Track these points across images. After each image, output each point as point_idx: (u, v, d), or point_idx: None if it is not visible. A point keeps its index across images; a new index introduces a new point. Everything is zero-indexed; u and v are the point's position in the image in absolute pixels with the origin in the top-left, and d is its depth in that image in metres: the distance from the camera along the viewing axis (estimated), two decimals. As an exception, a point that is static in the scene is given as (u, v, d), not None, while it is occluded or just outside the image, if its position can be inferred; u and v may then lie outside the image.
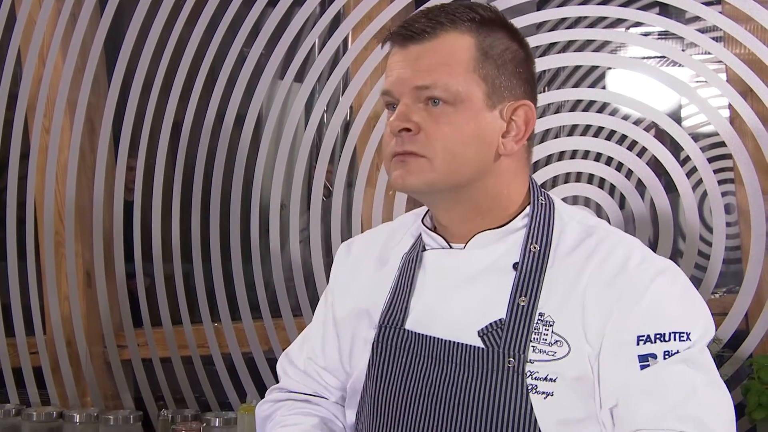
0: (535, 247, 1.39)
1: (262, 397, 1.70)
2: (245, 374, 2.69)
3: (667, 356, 1.31)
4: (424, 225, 1.48)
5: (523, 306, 1.36)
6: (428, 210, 1.49)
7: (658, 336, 1.31)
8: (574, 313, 1.35)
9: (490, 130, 1.38)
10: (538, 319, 1.35)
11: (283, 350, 1.69)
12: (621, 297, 1.34)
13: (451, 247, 1.44)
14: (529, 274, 1.38)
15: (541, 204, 1.43)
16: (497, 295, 1.38)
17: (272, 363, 2.64)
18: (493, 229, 1.41)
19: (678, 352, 1.31)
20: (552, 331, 1.35)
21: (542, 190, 1.47)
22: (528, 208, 1.42)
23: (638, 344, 1.31)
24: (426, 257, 1.45)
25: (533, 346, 1.35)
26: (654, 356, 1.31)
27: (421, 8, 1.46)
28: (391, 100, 1.41)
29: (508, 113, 1.39)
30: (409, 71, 1.37)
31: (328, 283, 1.64)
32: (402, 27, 1.41)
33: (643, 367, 1.31)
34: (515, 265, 1.39)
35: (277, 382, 1.68)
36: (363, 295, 1.53)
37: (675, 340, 1.31)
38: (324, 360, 1.60)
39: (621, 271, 1.35)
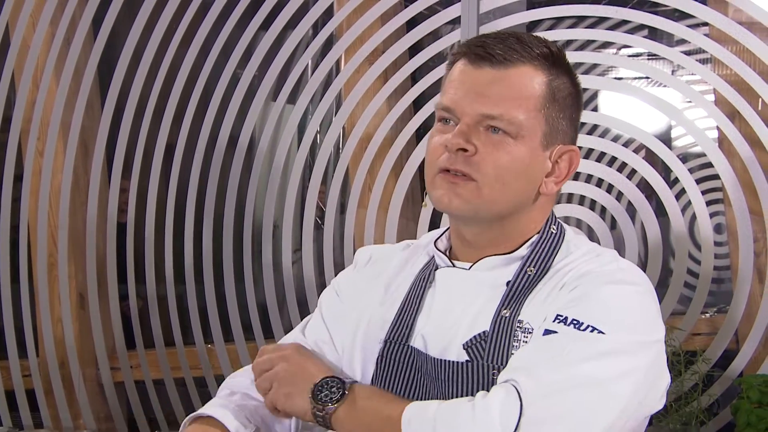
0: (531, 270, 1.41)
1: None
2: (238, 395, 2.68)
3: (568, 332, 1.29)
4: (436, 247, 1.49)
5: (506, 317, 1.37)
6: (446, 230, 1.51)
7: (574, 321, 1.30)
8: (538, 309, 1.36)
9: (539, 169, 1.40)
10: (517, 327, 1.36)
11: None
12: (574, 285, 1.35)
13: (454, 266, 1.46)
14: (518, 291, 1.39)
15: (551, 233, 1.44)
16: (486, 311, 1.40)
17: (265, 384, 2.64)
18: (500, 255, 1.43)
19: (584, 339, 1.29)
20: (531, 337, 1.35)
21: (558, 220, 1.48)
22: (536, 236, 1.43)
23: (553, 321, 1.31)
24: (437, 276, 1.47)
25: (513, 353, 1.35)
26: (556, 332, 1.30)
27: (493, 32, 1.45)
28: (449, 116, 1.41)
29: (556, 155, 1.41)
30: (479, 96, 1.37)
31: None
32: (478, 46, 1.40)
33: (545, 333, 1.31)
34: (508, 283, 1.40)
35: None
36: (373, 305, 1.52)
37: (587, 331, 1.29)
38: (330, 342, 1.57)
39: (590, 272, 1.37)
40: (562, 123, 1.40)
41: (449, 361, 1.38)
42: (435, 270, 1.48)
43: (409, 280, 1.51)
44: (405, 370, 1.43)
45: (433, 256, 1.50)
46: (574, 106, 1.43)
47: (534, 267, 1.41)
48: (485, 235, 1.43)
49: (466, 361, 1.37)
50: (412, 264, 1.53)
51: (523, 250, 1.43)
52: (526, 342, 1.35)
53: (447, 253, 1.48)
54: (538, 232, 1.44)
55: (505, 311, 1.38)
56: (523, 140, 1.37)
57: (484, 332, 1.38)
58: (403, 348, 1.44)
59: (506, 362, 1.34)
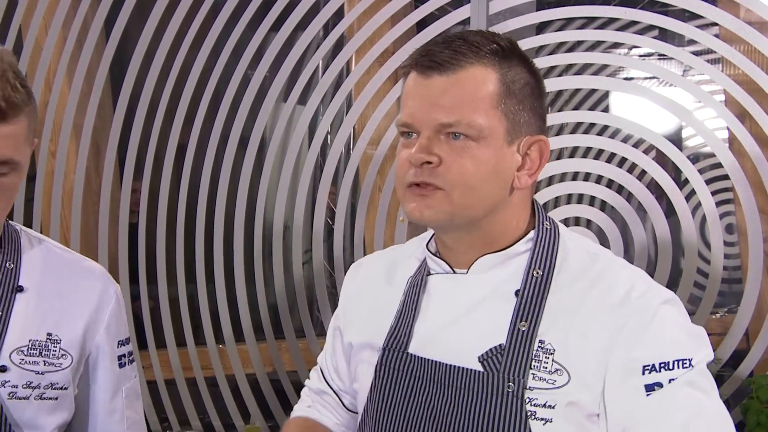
0: (537, 273, 1.40)
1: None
2: (249, 396, 2.70)
3: (671, 382, 1.32)
4: (429, 250, 1.49)
5: (524, 331, 1.36)
6: (433, 234, 1.51)
7: (662, 365, 1.32)
8: (575, 342, 1.35)
9: (507, 165, 1.38)
10: (539, 347, 1.36)
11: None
12: (626, 326, 1.34)
13: (454, 272, 1.45)
14: (531, 300, 1.38)
15: (547, 229, 1.44)
16: (498, 321, 1.39)
17: (276, 384, 2.66)
18: (495, 252, 1.42)
19: (681, 377, 1.33)
20: (552, 360, 1.35)
21: (546, 214, 1.48)
22: (532, 232, 1.43)
23: (644, 374, 1.32)
24: (430, 282, 1.47)
25: (533, 374, 1.35)
26: (660, 384, 1.32)
27: (440, 36, 1.44)
28: (410, 130, 1.40)
29: (524, 148, 1.39)
30: (433, 106, 1.36)
31: (336, 305, 1.67)
32: (424, 56, 1.38)
33: (648, 395, 1.32)
34: (517, 292, 1.40)
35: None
36: (368, 317, 1.54)
37: (679, 367, 1.32)
38: (339, 382, 1.65)
39: (625, 301, 1.36)
40: (523, 115, 1.39)
41: (466, 369, 1.38)
42: (427, 275, 1.47)
43: (401, 288, 1.51)
44: (404, 378, 1.44)
45: (424, 261, 1.49)
46: (534, 94, 1.40)
47: (540, 268, 1.40)
48: (465, 240, 1.43)
49: (482, 371, 1.37)
50: (401, 272, 1.53)
51: (520, 246, 1.42)
52: (547, 364, 1.35)
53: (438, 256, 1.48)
54: (534, 228, 1.43)
55: (522, 324, 1.37)
56: (486, 141, 1.36)
57: (500, 345, 1.37)
58: (402, 355, 1.44)
59: (523, 376, 1.34)
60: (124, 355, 1.66)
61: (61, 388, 1.56)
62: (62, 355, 1.57)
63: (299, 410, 1.68)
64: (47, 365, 1.55)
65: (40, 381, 1.54)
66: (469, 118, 1.35)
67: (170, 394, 2.79)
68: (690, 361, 1.33)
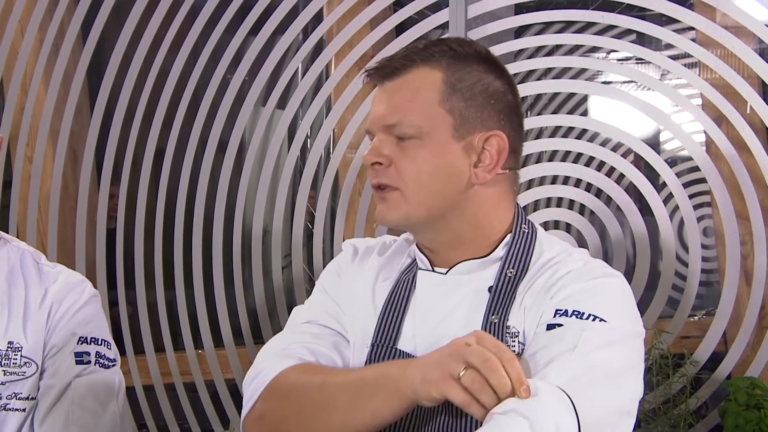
0: (510, 272, 1.41)
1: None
2: (228, 401, 2.69)
3: (571, 324, 1.30)
4: (417, 246, 1.50)
5: (495, 323, 1.38)
6: None
7: (575, 312, 1.32)
8: (530, 318, 1.37)
9: (457, 161, 1.40)
10: (506, 332, 1.38)
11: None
12: (562, 282, 1.36)
13: (434, 271, 1.46)
14: (502, 295, 1.40)
15: (524, 232, 1.45)
16: (473, 317, 1.41)
17: (255, 389, 2.64)
18: (476, 259, 1.43)
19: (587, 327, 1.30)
20: (518, 342, 1.37)
21: (527, 218, 1.48)
22: (509, 236, 1.44)
23: (554, 316, 1.33)
24: (419, 278, 1.47)
25: None
26: (561, 325, 1.31)
27: (406, 46, 1.49)
28: (370, 136, 1.45)
29: (480, 143, 1.40)
30: (382, 109, 1.42)
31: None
32: (378, 63, 1.44)
33: (549, 328, 1.32)
34: (490, 288, 1.41)
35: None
36: (359, 305, 1.53)
37: (590, 320, 1.31)
38: (337, 325, 1.53)
39: (571, 271, 1.38)
40: (473, 111, 1.40)
41: None
42: (417, 271, 1.48)
43: (390, 282, 1.51)
44: None
45: (415, 258, 1.50)
46: (489, 91, 1.41)
47: (513, 268, 1.41)
48: (439, 240, 1.44)
49: None
50: (393, 265, 1.53)
51: (499, 251, 1.43)
52: (514, 347, 1.36)
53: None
54: (510, 232, 1.44)
55: (493, 317, 1.39)
56: (430, 138, 1.39)
57: None
58: (391, 351, 1.44)
59: None
60: (86, 353, 1.60)
61: (27, 398, 1.54)
62: (25, 363, 1.54)
63: (289, 357, 1.46)
64: (8, 375, 1.52)
65: (2, 391, 1.51)
66: (408, 118, 1.39)
67: (149, 400, 2.78)
68: (605, 322, 1.30)
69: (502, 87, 1.44)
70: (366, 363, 1.46)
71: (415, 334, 1.44)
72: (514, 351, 1.35)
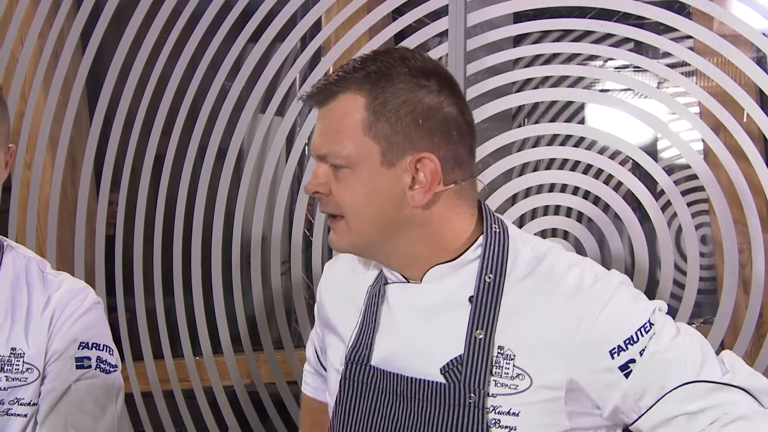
0: (489, 278, 1.38)
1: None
2: (227, 408, 2.69)
3: (643, 353, 1.33)
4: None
5: (480, 339, 1.35)
6: None
7: (627, 341, 1.33)
8: (533, 343, 1.35)
9: (388, 187, 1.36)
10: (498, 353, 1.35)
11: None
12: (582, 320, 1.34)
13: (408, 282, 1.44)
14: (484, 306, 1.37)
15: (496, 232, 1.42)
16: (456, 330, 1.38)
17: (254, 396, 2.65)
18: (446, 263, 1.41)
19: (648, 342, 1.33)
20: (513, 365, 1.34)
21: (495, 215, 1.45)
22: (481, 238, 1.41)
23: (613, 358, 1.33)
24: (388, 291, 1.45)
25: (495, 380, 1.34)
26: (633, 360, 1.32)
27: (341, 66, 1.43)
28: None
29: (411, 166, 1.36)
30: (316, 137, 1.40)
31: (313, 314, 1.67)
32: (311, 88, 1.40)
33: (627, 375, 1.32)
34: (471, 299, 1.38)
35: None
36: (334, 323, 1.54)
37: (643, 335, 1.33)
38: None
39: (577, 291, 1.36)
40: (399, 136, 1.35)
41: (428, 381, 1.37)
42: (385, 285, 1.46)
43: (361, 297, 1.50)
44: (368, 391, 1.43)
45: (381, 270, 1.48)
46: (417, 111, 1.35)
47: (491, 273, 1.38)
48: (396, 259, 1.43)
49: (444, 383, 1.36)
50: (363, 280, 1.52)
51: (470, 254, 1.40)
52: (508, 369, 1.34)
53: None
54: (482, 233, 1.41)
55: (478, 333, 1.36)
56: (360, 167, 1.36)
57: (459, 356, 1.36)
58: (365, 368, 1.43)
59: (483, 386, 1.33)
60: (86, 358, 1.61)
61: (29, 404, 1.54)
62: (27, 369, 1.55)
63: (307, 390, 1.72)
64: (10, 380, 1.53)
65: (4, 397, 1.52)
66: (336, 149, 1.37)
67: (147, 407, 2.78)
68: (650, 323, 1.34)
69: (435, 101, 1.37)
70: (341, 381, 1.45)
71: (390, 349, 1.42)
72: (511, 377, 1.34)
